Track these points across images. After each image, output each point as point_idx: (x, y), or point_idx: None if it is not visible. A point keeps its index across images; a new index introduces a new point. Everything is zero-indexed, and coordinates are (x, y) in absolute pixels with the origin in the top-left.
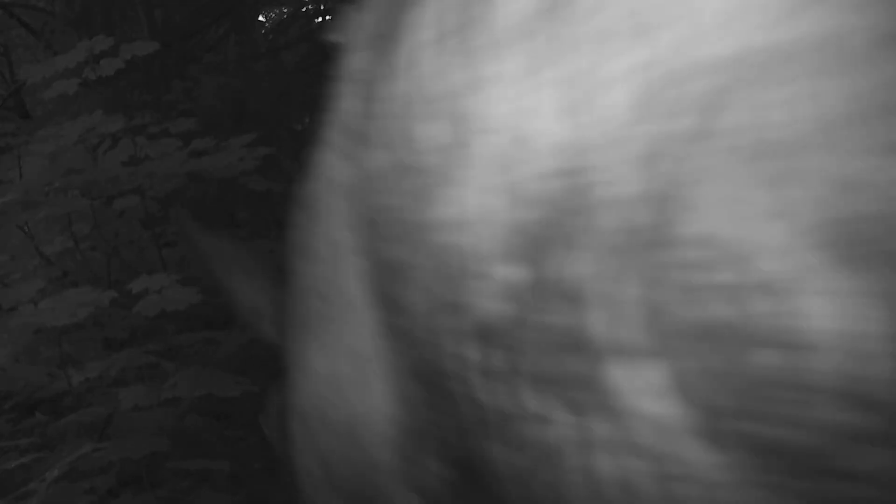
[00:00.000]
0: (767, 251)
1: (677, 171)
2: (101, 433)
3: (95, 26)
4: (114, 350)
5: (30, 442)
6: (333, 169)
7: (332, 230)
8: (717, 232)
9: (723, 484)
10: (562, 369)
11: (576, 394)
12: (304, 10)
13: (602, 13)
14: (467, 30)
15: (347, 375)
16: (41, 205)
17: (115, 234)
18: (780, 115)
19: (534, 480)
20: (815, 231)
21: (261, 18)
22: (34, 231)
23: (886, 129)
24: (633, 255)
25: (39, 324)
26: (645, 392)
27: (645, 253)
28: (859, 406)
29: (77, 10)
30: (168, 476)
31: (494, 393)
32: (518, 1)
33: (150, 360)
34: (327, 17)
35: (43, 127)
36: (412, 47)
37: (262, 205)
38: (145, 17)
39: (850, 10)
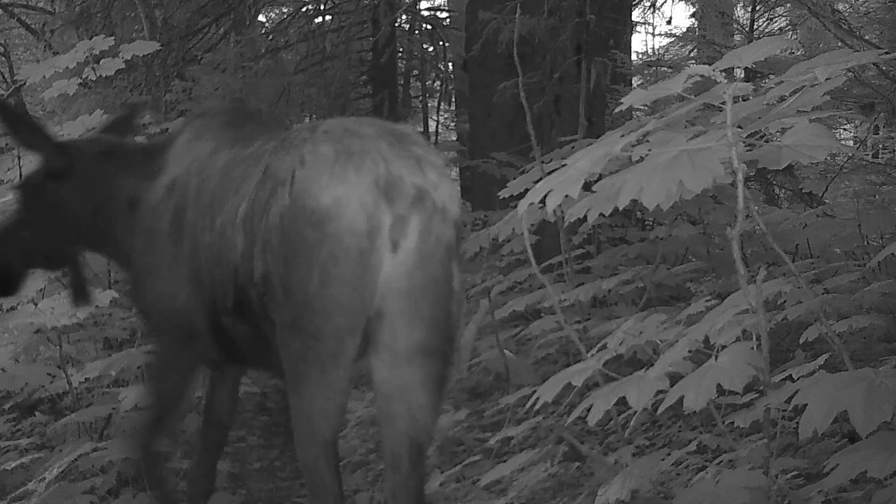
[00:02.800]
0: None
1: None
2: (101, 433)
3: (95, 26)
4: (114, 350)
5: (30, 442)
6: None
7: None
8: None
9: None
10: None
11: None
12: (304, 9)
13: None
14: None
15: None
16: None
17: None
18: None
19: None
20: None
21: (261, 18)
22: None
23: None
24: None
25: (39, 324)
26: None
27: None
28: None
29: (77, 10)
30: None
31: None
32: None
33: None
34: (327, 18)
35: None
36: None
37: None
38: (145, 17)
39: None
